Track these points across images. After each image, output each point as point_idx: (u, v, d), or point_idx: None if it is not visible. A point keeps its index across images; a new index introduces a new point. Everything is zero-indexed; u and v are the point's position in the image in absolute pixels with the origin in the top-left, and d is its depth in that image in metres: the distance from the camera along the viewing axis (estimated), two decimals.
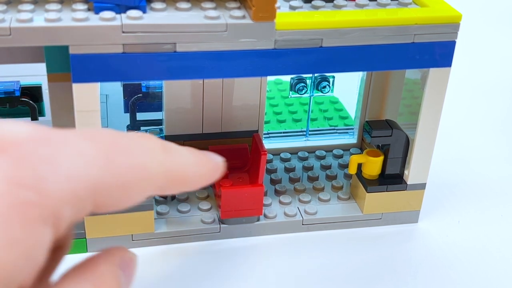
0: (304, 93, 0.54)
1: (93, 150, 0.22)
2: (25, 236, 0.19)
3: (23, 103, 0.51)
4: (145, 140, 0.26)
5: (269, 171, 0.54)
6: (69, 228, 0.23)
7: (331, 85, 0.54)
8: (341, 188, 0.52)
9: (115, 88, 0.55)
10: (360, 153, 0.55)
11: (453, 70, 0.44)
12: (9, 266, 0.19)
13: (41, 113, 0.53)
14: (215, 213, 0.48)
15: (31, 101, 0.51)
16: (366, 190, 0.49)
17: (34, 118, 0.52)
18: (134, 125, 0.55)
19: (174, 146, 0.27)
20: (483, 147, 0.63)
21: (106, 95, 0.56)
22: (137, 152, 0.24)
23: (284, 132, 0.59)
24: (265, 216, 0.48)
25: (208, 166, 0.30)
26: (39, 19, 0.37)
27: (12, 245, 0.19)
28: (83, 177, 0.21)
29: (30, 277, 0.20)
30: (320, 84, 0.53)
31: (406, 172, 0.49)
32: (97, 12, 0.38)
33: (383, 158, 0.49)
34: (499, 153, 0.62)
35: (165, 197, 0.49)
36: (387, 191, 0.49)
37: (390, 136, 0.47)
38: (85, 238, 0.45)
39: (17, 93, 0.50)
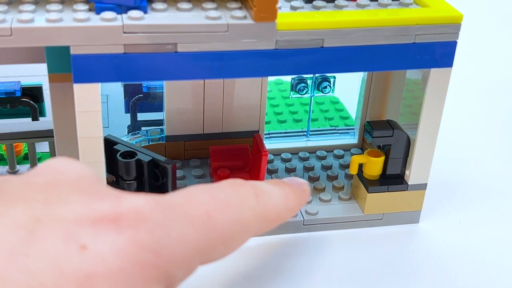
0: (305, 93, 0.54)
1: (196, 211, 0.25)
2: None
3: (23, 103, 0.51)
4: (238, 190, 0.28)
5: (270, 172, 0.54)
6: None
7: (332, 85, 0.54)
8: (342, 188, 0.52)
9: (116, 89, 0.55)
10: (361, 153, 0.55)
11: (454, 71, 0.44)
12: None
13: (42, 114, 0.53)
14: None
15: (32, 102, 0.51)
16: (367, 190, 0.49)
17: (35, 119, 0.52)
18: (135, 126, 0.55)
19: (263, 187, 0.30)
20: (484, 147, 0.63)
21: (107, 95, 0.56)
22: (234, 206, 0.27)
23: (285, 132, 0.59)
24: None
25: (297, 196, 0.33)
26: (40, 19, 0.37)
27: None
28: (191, 240, 0.24)
29: None
30: (321, 84, 0.53)
31: (407, 172, 0.49)
32: (98, 13, 0.38)
33: (384, 158, 0.49)
34: (500, 153, 0.62)
35: None
36: (388, 191, 0.49)
37: (391, 136, 0.47)
38: None
39: (18, 94, 0.50)
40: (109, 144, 0.45)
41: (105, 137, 0.46)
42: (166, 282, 0.23)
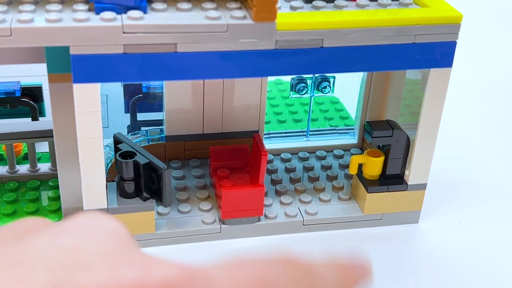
0: (305, 94, 0.54)
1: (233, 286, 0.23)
2: None
3: (23, 103, 0.51)
4: (289, 270, 0.25)
5: (269, 172, 0.54)
6: None
7: (331, 85, 0.54)
8: (341, 188, 0.52)
9: (116, 89, 0.55)
10: (360, 154, 0.55)
11: (453, 71, 0.44)
12: None
13: (42, 114, 0.53)
14: (215, 214, 0.48)
15: (31, 102, 0.51)
16: (366, 190, 0.49)
17: (35, 119, 0.52)
18: (135, 126, 0.55)
19: (317, 268, 0.27)
20: (483, 147, 0.63)
21: (107, 95, 0.56)
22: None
23: (284, 133, 0.59)
24: (266, 216, 0.48)
25: (356, 277, 0.29)
26: (40, 19, 0.37)
27: None
28: None
29: None
30: (321, 84, 0.53)
31: (406, 172, 0.49)
32: (98, 13, 0.38)
33: (384, 159, 0.49)
34: (500, 153, 0.62)
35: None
36: (387, 191, 0.49)
37: (391, 136, 0.47)
38: None
39: (18, 94, 0.50)
40: (117, 142, 0.45)
41: (114, 135, 0.46)
42: None
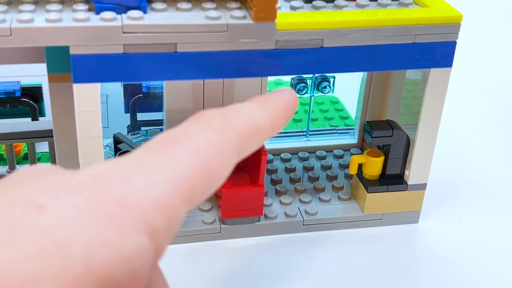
0: (305, 93, 0.54)
1: (156, 156, 0.24)
2: (120, 238, 0.20)
3: (23, 103, 0.51)
4: (200, 119, 0.27)
5: (269, 172, 0.54)
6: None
7: (331, 85, 0.54)
8: (341, 188, 0.52)
9: (116, 89, 0.55)
10: (360, 153, 0.55)
11: (453, 71, 0.44)
12: (106, 264, 0.20)
13: (42, 114, 0.53)
14: (215, 214, 0.48)
15: (31, 102, 0.51)
16: (366, 190, 0.49)
17: (35, 119, 0.52)
18: (135, 126, 0.55)
19: (232, 106, 0.28)
20: (483, 147, 0.63)
21: (107, 95, 0.56)
22: (196, 134, 0.25)
23: (284, 132, 0.59)
24: (266, 216, 0.48)
25: (277, 100, 0.31)
26: (40, 19, 0.37)
27: (108, 245, 0.20)
28: (159, 184, 0.22)
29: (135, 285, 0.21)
30: (321, 84, 0.53)
31: (406, 172, 0.49)
32: (97, 13, 0.38)
33: (384, 158, 0.49)
34: (500, 153, 0.62)
35: None
36: (387, 191, 0.49)
37: (391, 136, 0.47)
38: None
39: (18, 94, 0.50)
40: (117, 142, 0.45)
41: (114, 135, 0.46)
42: (146, 230, 0.21)
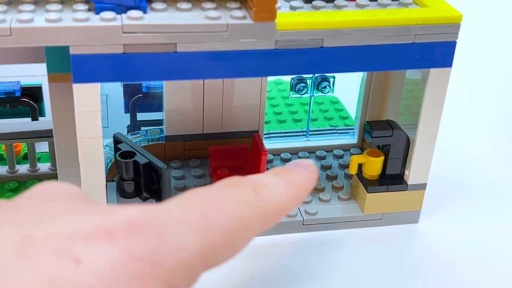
0: (305, 93, 0.54)
1: (192, 215, 0.24)
2: None
3: (23, 103, 0.51)
4: (235, 188, 0.27)
5: None
6: None
7: (331, 85, 0.54)
8: (341, 188, 0.52)
9: (116, 88, 0.55)
10: (360, 153, 0.55)
11: (453, 71, 0.44)
12: None
13: (41, 114, 0.53)
14: None
15: (31, 101, 0.51)
16: (366, 190, 0.49)
17: (35, 119, 0.52)
18: (135, 126, 0.55)
19: (263, 180, 0.28)
20: (483, 147, 0.63)
21: (106, 95, 0.56)
22: (231, 204, 0.26)
23: (284, 132, 0.59)
24: None
25: (302, 181, 0.31)
26: (40, 19, 0.37)
27: None
28: (189, 246, 0.23)
29: None
30: (321, 84, 0.53)
31: (406, 172, 0.49)
32: (97, 13, 0.38)
33: (384, 158, 0.49)
34: (500, 153, 0.62)
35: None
36: (387, 191, 0.49)
37: (391, 136, 0.47)
38: None
39: (18, 93, 0.50)
40: (117, 142, 0.45)
41: (114, 135, 0.46)
42: None
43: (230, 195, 0.26)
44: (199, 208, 0.25)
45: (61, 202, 0.24)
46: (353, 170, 0.49)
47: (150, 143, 0.53)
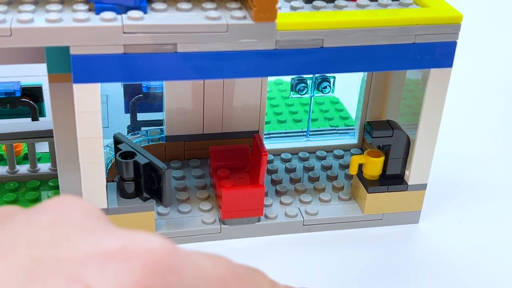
0: (305, 94, 0.54)
1: (213, 269, 0.24)
2: None
3: (23, 103, 0.51)
4: (258, 274, 0.28)
5: (269, 172, 0.54)
6: None
7: (331, 85, 0.54)
8: (342, 188, 0.52)
9: (116, 89, 0.55)
10: (360, 154, 0.55)
11: (454, 71, 0.44)
12: None
13: (42, 114, 0.53)
14: (216, 214, 0.48)
15: (31, 102, 0.51)
16: (367, 190, 0.49)
17: (35, 119, 0.52)
18: (135, 126, 0.55)
19: (280, 286, 0.29)
20: (484, 147, 0.63)
21: (107, 95, 0.56)
22: (251, 283, 0.26)
23: (284, 133, 0.59)
24: (266, 216, 0.48)
25: None
26: (40, 19, 0.37)
27: None
28: None
29: None
30: (321, 84, 0.53)
31: (407, 172, 0.49)
32: (98, 13, 0.38)
33: (384, 159, 0.49)
34: (500, 153, 0.62)
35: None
36: (388, 191, 0.49)
37: (391, 136, 0.47)
38: None
39: (18, 94, 0.50)
40: (117, 143, 0.45)
41: (114, 135, 0.46)
42: None
43: (252, 276, 0.27)
44: (222, 269, 0.25)
45: (77, 221, 0.23)
46: (353, 170, 0.49)
47: (150, 143, 0.53)
